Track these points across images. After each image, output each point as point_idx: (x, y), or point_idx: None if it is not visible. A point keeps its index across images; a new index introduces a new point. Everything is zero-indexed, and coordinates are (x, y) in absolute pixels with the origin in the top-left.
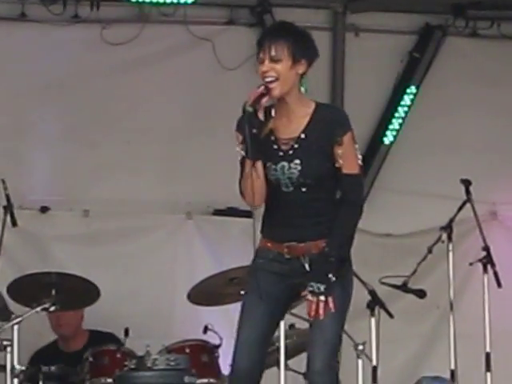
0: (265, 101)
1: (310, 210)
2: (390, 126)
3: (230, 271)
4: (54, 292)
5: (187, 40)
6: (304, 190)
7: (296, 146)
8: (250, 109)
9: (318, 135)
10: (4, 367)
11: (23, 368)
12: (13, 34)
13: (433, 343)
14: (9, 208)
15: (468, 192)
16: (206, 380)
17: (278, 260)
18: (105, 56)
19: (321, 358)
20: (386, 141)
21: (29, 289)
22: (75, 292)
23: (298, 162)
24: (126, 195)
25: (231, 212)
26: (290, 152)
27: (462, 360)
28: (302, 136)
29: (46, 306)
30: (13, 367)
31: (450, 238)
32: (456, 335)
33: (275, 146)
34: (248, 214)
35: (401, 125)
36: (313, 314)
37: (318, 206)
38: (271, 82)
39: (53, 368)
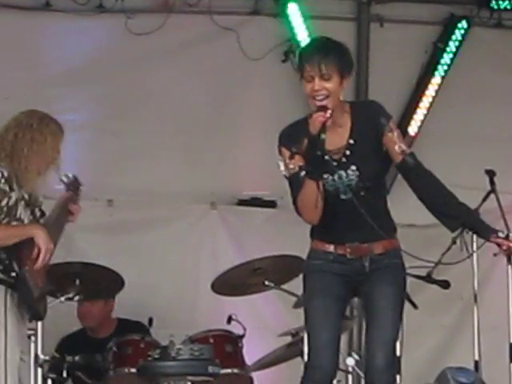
0: (329, 123)
1: (370, 213)
2: (415, 117)
3: (254, 261)
4: (78, 282)
5: (211, 30)
6: (362, 193)
7: (348, 152)
8: (323, 136)
9: (365, 135)
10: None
11: (47, 358)
12: (37, 24)
13: (457, 334)
14: None
15: (492, 182)
16: (229, 370)
17: (339, 261)
18: (129, 46)
19: (382, 355)
20: (411, 131)
21: (53, 279)
22: (99, 282)
23: (354, 168)
24: (150, 185)
25: (255, 202)
26: (344, 160)
27: (485, 351)
28: (351, 142)
29: (70, 295)
30: (37, 357)
31: None
32: (480, 326)
33: (326, 157)
34: (272, 204)
35: (425, 115)
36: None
37: (376, 207)
38: (322, 99)
39: (77, 357)
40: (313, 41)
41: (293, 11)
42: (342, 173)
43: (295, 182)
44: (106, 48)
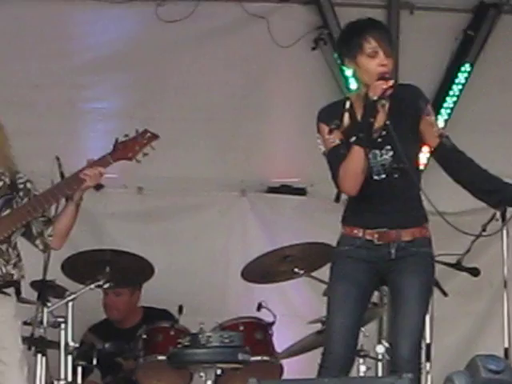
0: (389, 93)
1: (402, 197)
2: (445, 105)
3: (284, 249)
4: (108, 269)
5: (241, 17)
6: (396, 176)
7: (384, 132)
8: (384, 102)
9: (402, 117)
10: (58, 344)
11: (77, 345)
12: (68, 12)
13: (487, 321)
14: None
15: None
16: (259, 357)
17: (366, 247)
18: (159, 33)
19: (409, 345)
20: (441, 119)
21: (83, 266)
22: (129, 269)
23: (389, 147)
24: (179, 172)
25: (285, 189)
26: (379, 140)
27: None
28: (387, 122)
29: (100, 283)
30: (67, 344)
31: (503, 216)
32: (510, 313)
33: (371, 143)
34: (302, 192)
35: (455, 103)
36: None
37: (410, 192)
38: (384, 78)
39: (107, 345)
40: (368, 20)
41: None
42: (377, 152)
43: (336, 155)
44: (135, 36)
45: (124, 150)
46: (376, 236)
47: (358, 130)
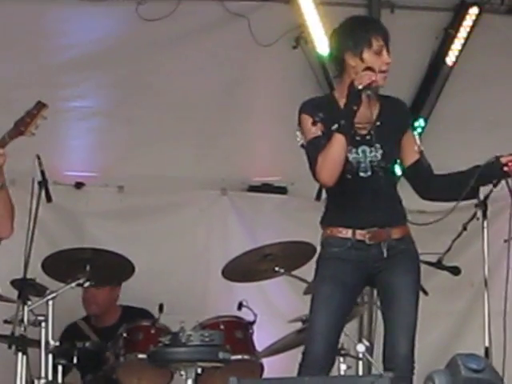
0: (374, 85)
1: (386, 195)
2: (426, 103)
3: (265, 247)
4: (88, 268)
5: (223, 16)
6: (381, 174)
7: (373, 132)
8: (368, 92)
9: (391, 123)
10: (38, 343)
11: (57, 344)
12: (48, 10)
13: (467, 320)
14: (44, 183)
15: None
16: (240, 356)
17: (356, 247)
18: (140, 32)
19: (406, 342)
20: (421, 117)
21: (63, 264)
22: (110, 268)
23: (378, 146)
24: (160, 171)
25: (266, 188)
26: (367, 137)
27: (496, 337)
28: (378, 123)
29: (81, 281)
30: (47, 343)
31: (484, 215)
32: (490, 312)
33: (352, 131)
34: (283, 191)
35: (436, 101)
36: None
37: (393, 192)
38: (371, 70)
39: (87, 344)
40: (368, 18)
41: None
42: (366, 148)
43: (316, 145)
44: (116, 34)
45: (18, 125)
46: (368, 236)
47: (339, 118)
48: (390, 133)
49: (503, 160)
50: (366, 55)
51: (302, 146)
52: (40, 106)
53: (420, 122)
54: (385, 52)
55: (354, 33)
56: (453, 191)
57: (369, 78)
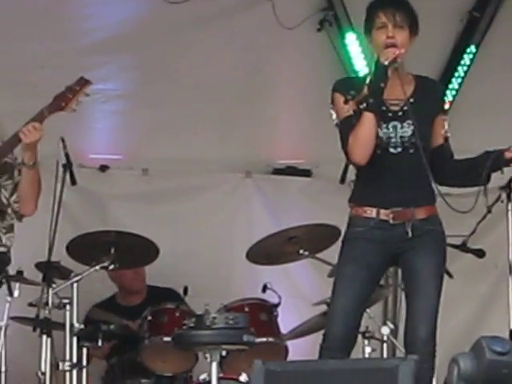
0: (399, 60)
1: (416, 174)
2: (450, 86)
3: (289, 230)
4: (113, 250)
5: None
6: (412, 151)
7: (406, 108)
8: (395, 64)
9: (424, 102)
10: (63, 325)
11: (82, 326)
12: None
13: (492, 303)
14: (68, 166)
15: None
16: (264, 339)
17: (380, 227)
18: (164, 15)
19: (427, 326)
20: (446, 100)
21: (88, 247)
22: (134, 250)
23: (410, 121)
24: (185, 154)
25: (290, 171)
26: (400, 113)
27: None
28: (411, 100)
29: (105, 264)
30: (72, 325)
31: (509, 198)
32: None
33: (384, 107)
34: (307, 173)
35: (460, 84)
36: None
37: (422, 171)
38: (394, 46)
39: (112, 326)
40: None
41: None
42: (397, 124)
43: (348, 124)
44: (140, 17)
45: (58, 100)
46: (391, 216)
47: (369, 96)
48: (423, 111)
49: (507, 155)
50: (374, 33)
51: (337, 125)
52: (83, 82)
53: (472, 49)
54: (390, 26)
55: (368, 12)
56: (464, 177)
57: (393, 53)
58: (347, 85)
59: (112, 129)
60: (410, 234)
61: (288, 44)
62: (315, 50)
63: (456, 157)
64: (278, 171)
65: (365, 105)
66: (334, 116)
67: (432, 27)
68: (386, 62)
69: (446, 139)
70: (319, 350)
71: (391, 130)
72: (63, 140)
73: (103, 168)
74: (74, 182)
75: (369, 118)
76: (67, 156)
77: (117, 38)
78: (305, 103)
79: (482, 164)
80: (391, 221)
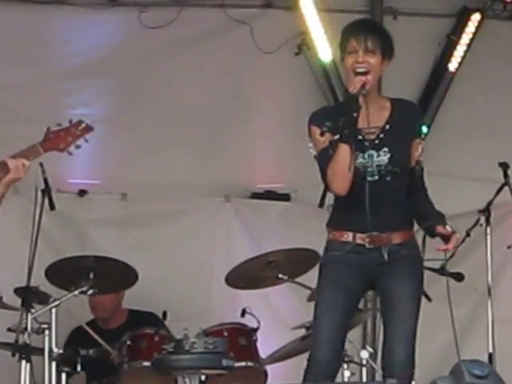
0: (368, 87)
1: (392, 200)
2: (428, 110)
3: (268, 254)
4: (91, 275)
5: (225, 23)
6: (389, 179)
7: (382, 135)
8: (363, 91)
9: (401, 127)
10: (42, 350)
11: (61, 351)
12: (51, 18)
13: (471, 326)
14: (47, 191)
15: (506, 175)
16: (243, 363)
17: (356, 251)
18: (142, 39)
19: (405, 349)
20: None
21: (67, 272)
22: (113, 275)
23: (386, 149)
24: (163, 178)
25: (269, 195)
26: (377, 141)
27: (499, 344)
28: (387, 127)
29: (84, 289)
30: (51, 350)
31: (488, 222)
32: (494, 319)
33: (360, 137)
34: (286, 198)
35: (438, 108)
36: (451, 246)
37: (400, 196)
38: (363, 73)
39: (91, 351)
40: (359, 20)
41: (306, 4)
42: (374, 152)
43: (325, 156)
44: (119, 42)
45: (56, 140)
46: (367, 240)
47: (342, 127)
48: (400, 136)
49: (438, 230)
50: (346, 59)
51: (315, 157)
52: (84, 128)
53: (476, 16)
54: (360, 51)
55: (341, 37)
56: (416, 219)
57: (360, 80)
58: (323, 116)
59: (91, 153)
60: (386, 258)
61: (266, 68)
62: (294, 73)
63: (428, 192)
64: (256, 195)
65: (339, 136)
66: (312, 149)
67: (410, 51)
68: (355, 91)
69: (418, 162)
70: (303, 375)
71: (367, 159)
72: (42, 165)
73: (82, 193)
74: (52, 206)
75: (344, 150)
76: (46, 181)
77: (95, 62)
78: (283, 127)
79: (424, 222)
80: (367, 245)
